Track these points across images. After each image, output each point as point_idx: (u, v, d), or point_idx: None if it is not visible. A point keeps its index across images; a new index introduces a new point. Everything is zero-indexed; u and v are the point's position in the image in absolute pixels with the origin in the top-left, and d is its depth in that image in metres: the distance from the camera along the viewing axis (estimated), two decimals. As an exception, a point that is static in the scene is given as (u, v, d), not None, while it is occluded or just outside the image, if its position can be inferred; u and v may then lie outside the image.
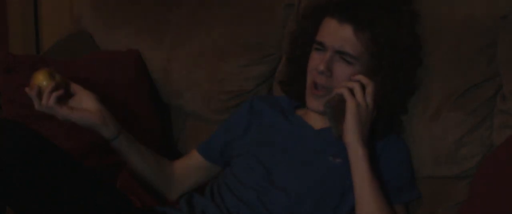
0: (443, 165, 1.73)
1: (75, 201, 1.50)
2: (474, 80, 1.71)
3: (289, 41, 1.84)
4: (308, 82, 1.69)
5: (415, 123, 1.73)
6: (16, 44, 3.09)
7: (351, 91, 1.59)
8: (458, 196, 1.72)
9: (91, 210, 1.53)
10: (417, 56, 1.71)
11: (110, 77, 2.03)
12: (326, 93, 1.64)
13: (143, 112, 2.04)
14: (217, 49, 2.07)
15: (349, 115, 1.58)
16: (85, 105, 1.69)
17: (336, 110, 1.58)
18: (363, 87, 1.60)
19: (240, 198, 1.65)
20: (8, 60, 1.90)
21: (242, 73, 2.03)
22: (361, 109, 1.59)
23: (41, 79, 1.64)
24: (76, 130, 1.90)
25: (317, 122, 1.72)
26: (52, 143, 1.51)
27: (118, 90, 2.02)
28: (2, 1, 3.08)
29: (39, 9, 3.10)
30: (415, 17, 1.72)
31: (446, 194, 1.74)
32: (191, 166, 1.84)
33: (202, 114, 2.10)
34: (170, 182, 1.82)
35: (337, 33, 1.63)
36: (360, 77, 1.61)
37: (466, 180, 1.72)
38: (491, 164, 1.58)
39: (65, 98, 1.68)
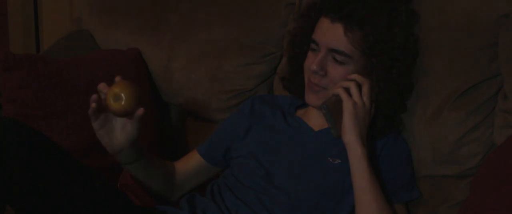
0: (444, 164, 1.73)
1: (75, 200, 1.50)
2: (475, 79, 1.71)
3: (288, 39, 1.85)
4: (305, 79, 1.69)
5: (416, 122, 1.73)
6: (16, 43, 3.10)
7: (348, 91, 1.60)
8: (458, 196, 1.72)
9: (92, 209, 1.53)
10: (411, 54, 1.71)
11: (110, 76, 2.02)
12: (323, 89, 1.64)
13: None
14: (217, 48, 2.07)
15: (347, 114, 1.58)
16: (118, 132, 1.60)
17: (333, 110, 1.58)
18: (359, 86, 1.61)
19: (240, 198, 1.65)
20: (8, 59, 1.90)
21: (243, 72, 2.03)
22: (358, 108, 1.59)
23: (117, 92, 1.52)
24: (77, 129, 1.90)
25: (317, 122, 1.72)
26: (52, 142, 1.51)
27: (118, 90, 2.01)
28: (3, 0, 3.08)
29: (39, 8, 3.10)
30: (412, 16, 1.72)
31: (447, 193, 1.74)
32: (192, 168, 1.84)
33: (203, 113, 2.09)
34: (172, 185, 1.81)
35: (329, 32, 1.63)
36: (356, 76, 1.61)
37: (466, 179, 1.72)
38: (492, 163, 1.57)
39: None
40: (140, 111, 1.55)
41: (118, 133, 1.60)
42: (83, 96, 1.94)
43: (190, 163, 1.84)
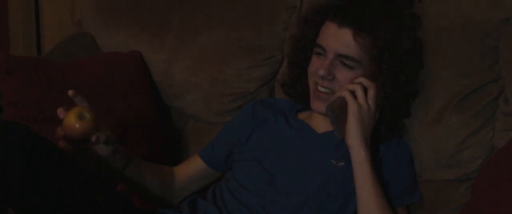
0: (445, 168, 1.73)
1: (76, 202, 1.50)
2: (476, 83, 1.71)
3: (291, 44, 1.84)
4: (310, 85, 1.69)
5: (417, 126, 1.73)
6: (17, 45, 3.09)
7: (353, 93, 1.59)
8: (459, 199, 1.72)
9: (92, 211, 1.53)
10: (418, 59, 1.71)
11: (111, 79, 2.03)
12: (329, 96, 1.64)
13: (144, 114, 2.04)
14: (218, 51, 2.07)
15: (351, 117, 1.58)
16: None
17: (338, 112, 1.58)
18: (365, 90, 1.60)
19: (242, 203, 1.65)
20: (9, 62, 1.90)
21: (244, 75, 2.03)
22: (363, 111, 1.59)
23: (72, 120, 1.52)
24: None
25: (320, 125, 1.72)
26: (53, 144, 1.51)
27: (119, 92, 2.01)
28: (3, 2, 3.08)
29: (40, 11, 3.10)
30: (416, 20, 1.72)
31: (448, 197, 1.74)
32: (193, 172, 1.83)
33: (204, 116, 2.09)
34: (171, 190, 1.81)
35: (337, 37, 1.63)
36: (362, 80, 1.61)
37: (467, 183, 1.72)
38: (493, 167, 1.58)
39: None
40: (94, 138, 1.54)
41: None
42: (84, 99, 1.95)
43: (191, 167, 1.84)
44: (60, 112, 1.56)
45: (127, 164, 1.69)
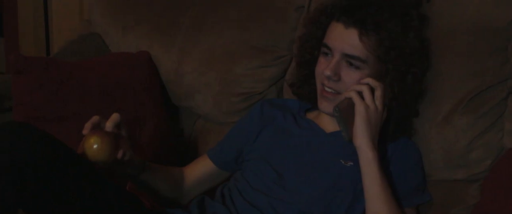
0: (455, 168, 1.72)
1: (86, 202, 1.50)
2: (486, 83, 1.70)
3: (298, 45, 1.84)
4: (318, 85, 1.69)
5: (427, 126, 1.72)
6: (26, 46, 3.11)
7: (360, 94, 1.59)
8: (469, 199, 1.72)
9: (102, 210, 1.53)
10: (425, 59, 1.70)
11: (120, 79, 2.03)
12: (335, 96, 1.64)
13: (153, 113, 2.04)
14: (227, 51, 2.07)
15: (358, 118, 1.58)
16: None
17: (345, 113, 1.58)
18: (372, 90, 1.60)
19: (251, 202, 1.65)
20: (19, 62, 1.91)
21: (253, 75, 2.03)
22: (370, 112, 1.58)
23: (92, 142, 1.55)
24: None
25: (328, 125, 1.72)
26: (63, 145, 1.51)
27: (128, 92, 2.02)
28: (13, 2, 3.10)
29: (49, 11, 3.11)
30: (424, 20, 1.72)
31: (457, 197, 1.74)
32: (201, 173, 1.83)
33: (213, 115, 2.10)
34: (180, 191, 1.81)
35: (343, 38, 1.62)
36: (369, 80, 1.61)
37: (477, 183, 1.72)
38: (502, 167, 1.57)
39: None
40: (120, 154, 1.58)
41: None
42: (94, 99, 1.95)
43: (200, 168, 1.84)
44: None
45: (140, 173, 1.70)
